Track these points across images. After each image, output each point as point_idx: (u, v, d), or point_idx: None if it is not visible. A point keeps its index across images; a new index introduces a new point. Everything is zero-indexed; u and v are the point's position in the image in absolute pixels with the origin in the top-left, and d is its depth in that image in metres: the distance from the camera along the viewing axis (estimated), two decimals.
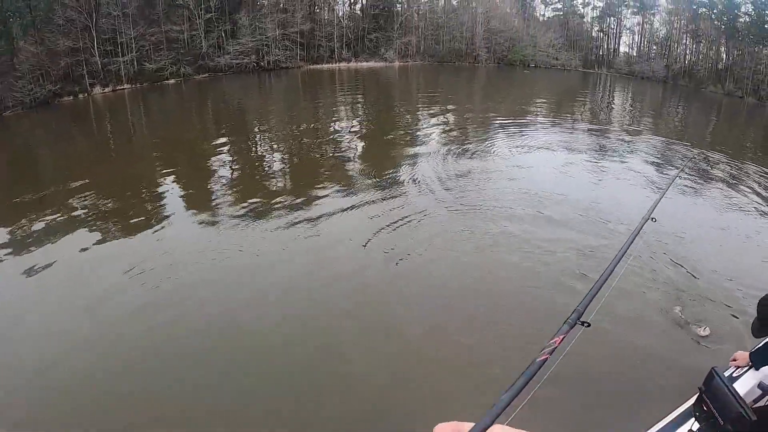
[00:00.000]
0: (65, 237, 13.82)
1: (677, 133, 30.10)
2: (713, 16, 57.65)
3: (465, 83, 54.73)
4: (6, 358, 8.89)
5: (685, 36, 61.83)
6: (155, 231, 13.99)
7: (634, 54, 68.14)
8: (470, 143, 24.10)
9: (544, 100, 42.52)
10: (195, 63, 49.86)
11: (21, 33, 39.89)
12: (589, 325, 1.38)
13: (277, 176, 20.03)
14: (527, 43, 70.09)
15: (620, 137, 27.87)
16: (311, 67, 59.70)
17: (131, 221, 15.02)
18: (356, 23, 64.60)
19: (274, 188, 18.24)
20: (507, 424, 0.83)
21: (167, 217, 15.22)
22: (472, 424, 0.81)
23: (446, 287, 10.96)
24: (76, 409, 7.65)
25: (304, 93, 46.20)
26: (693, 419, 3.93)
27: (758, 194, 18.22)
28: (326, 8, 64.16)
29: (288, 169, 21.09)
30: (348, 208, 15.46)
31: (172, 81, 47.35)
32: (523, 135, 26.72)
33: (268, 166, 21.68)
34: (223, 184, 18.72)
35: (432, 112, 33.78)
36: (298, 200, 16.24)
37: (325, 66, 60.81)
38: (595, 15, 71.60)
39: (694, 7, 59.50)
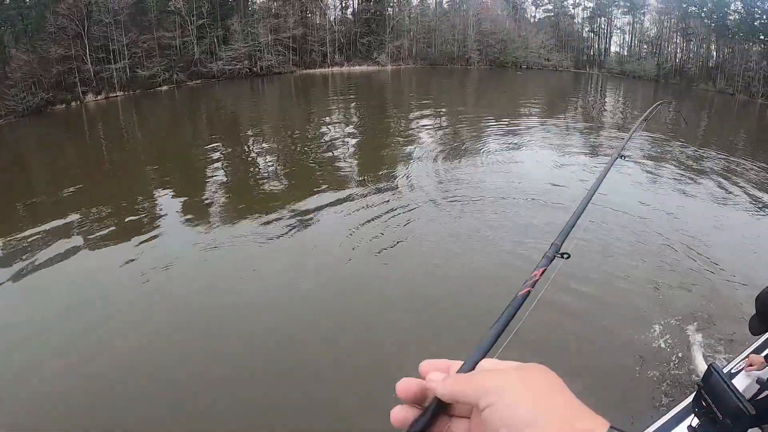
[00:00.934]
0: (58, 246, 13.79)
1: (670, 131, 30.21)
2: (703, 14, 57.91)
3: (457, 85, 54.90)
4: None
5: (675, 35, 62.13)
6: (149, 239, 14.02)
7: (625, 53, 68.46)
8: (462, 144, 24.45)
9: (537, 101, 42.76)
10: (188, 69, 49.88)
11: (13, 41, 39.92)
12: (568, 257, 1.42)
13: (271, 183, 20.11)
14: (519, 44, 70.36)
15: (612, 135, 28.05)
16: (304, 72, 59.78)
17: (125, 228, 15.08)
18: (348, 27, 64.76)
19: (268, 195, 18.36)
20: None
21: (161, 226, 15.30)
22: (460, 362, 0.84)
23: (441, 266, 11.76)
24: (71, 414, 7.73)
25: (297, 98, 46.26)
26: (693, 415, 3.99)
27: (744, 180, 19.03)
28: (318, 13, 64.37)
29: (281, 174, 21.18)
30: (342, 209, 15.74)
31: (164, 87, 47.37)
32: (515, 135, 27.18)
33: (262, 173, 21.69)
34: (217, 190, 18.82)
35: (424, 114, 33.86)
36: (292, 204, 16.32)
37: (318, 71, 60.90)
38: (585, 15, 72.02)
39: (684, 6, 59.70)
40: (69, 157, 26.46)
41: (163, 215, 16.27)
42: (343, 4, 66.27)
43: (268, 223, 14.78)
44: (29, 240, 14.24)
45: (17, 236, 14.55)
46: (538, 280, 1.21)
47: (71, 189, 18.57)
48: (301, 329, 9.67)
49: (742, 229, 14.64)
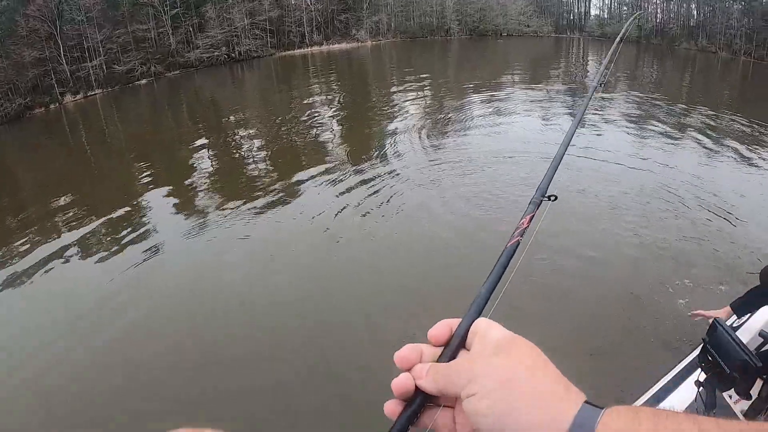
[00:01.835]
0: (48, 251, 13.78)
1: (653, 89, 30.65)
2: None
3: (438, 57, 54.79)
4: None
5: None
6: (141, 242, 13.86)
7: (605, 16, 67.92)
8: (446, 115, 24.96)
9: (518, 67, 42.87)
10: (165, 60, 49.23)
11: None
12: (555, 198, 1.31)
13: (258, 166, 20.26)
14: (498, 12, 69.58)
15: (596, 95, 28.03)
16: (283, 53, 59.15)
17: (114, 223, 15.16)
18: (325, 5, 63.81)
19: (255, 178, 18.54)
20: (491, 316, 0.88)
21: (149, 218, 15.60)
22: (459, 319, 0.85)
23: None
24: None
25: (278, 80, 45.91)
26: (699, 369, 3.95)
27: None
28: None
29: (267, 157, 21.29)
30: (329, 186, 16.04)
31: (143, 81, 46.74)
32: (499, 101, 27.83)
33: (247, 157, 21.76)
34: (204, 179, 18.93)
35: (408, 87, 33.84)
36: (281, 185, 16.72)
37: (297, 51, 60.24)
38: None
39: None
40: (52, 160, 26.18)
41: (151, 208, 16.44)
42: None
43: (258, 205, 15.08)
44: (20, 244, 14.39)
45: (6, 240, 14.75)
46: (526, 228, 1.17)
47: (59, 194, 18.43)
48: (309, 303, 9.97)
49: (732, 179, 15.16)
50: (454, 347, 0.83)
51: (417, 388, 0.79)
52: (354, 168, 17.48)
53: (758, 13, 47.45)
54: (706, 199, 13.23)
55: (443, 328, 0.85)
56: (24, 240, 14.67)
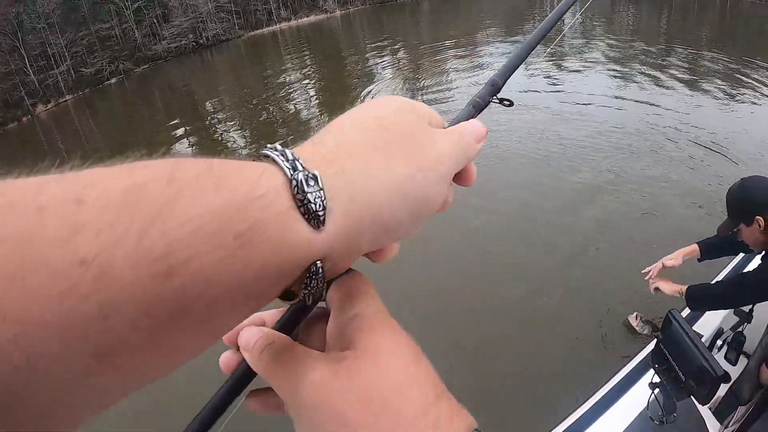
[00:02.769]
0: None
1: (631, 32, 30.46)
2: None
3: (411, 20, 54.20)
4: None
5: None
6: None
7: None
8: (424, 77, 24.95)
9: (492, 22, 42.16)
10: (132, 56, 48.45)
11: None
12: (510, 104, 0.87)
13: (238, 148, 20.28)
14: None
15: (574, 43, 28.11)
16: (252, 33, 58.27)
17: None
18: None
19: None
20: None
21: None
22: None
23: None
24: None
25: (250, 61, 45.37)
26: (652, 370, 3.50)
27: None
28: None
29: (247, 137, 21.46)
30: None
31: (113, 80, 45.96)
32: (475, 57, 27.71)
33: (227, 140, 21.74)
34: None
35: (383, 53, 33.39)
36: None
37: (266, 30, 59.33)
38: None
39: None
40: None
41: None
42: None
43: None
44: None
45: None
46: None
47: None
48: None
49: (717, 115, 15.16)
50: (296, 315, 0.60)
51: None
52: None
53: None
54: (691, 132, 13.03)
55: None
56: None
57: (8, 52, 40.61)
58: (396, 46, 34.95)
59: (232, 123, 24.91)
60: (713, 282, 4.34)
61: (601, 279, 8.13)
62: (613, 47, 25.84)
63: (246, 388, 0.60)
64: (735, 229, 3.70)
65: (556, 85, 19.34)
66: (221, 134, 23.38)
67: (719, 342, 4.67)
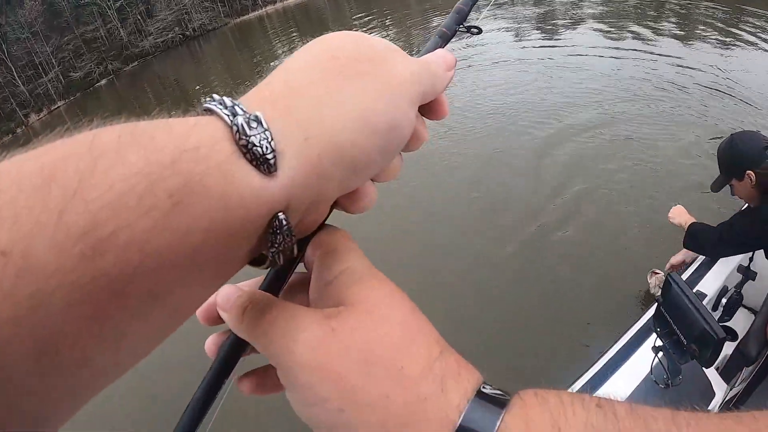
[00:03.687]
0: None
1: None
2: None
3: None
4: None
5: None
6: None
7: None
8: (413, 46, 24.68)
9: None
10: (120, 56, 48.24)
11: None
12: (479, 32, 0.74)
13: None
14: None
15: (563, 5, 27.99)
16: (239, 20, 57.74)
17: None
18: None
19: None
20: None
21: None
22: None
23: None
24: None
25: (239, 48, 44.98)
26: (654, 334, 3.26)
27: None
28: None
29: None
30: None
31: (103, 81, 45.73)
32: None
33: None
34: None
35: (371, 27, 33.07)
36: None
37: (253, 15, 58.80)
38: None
39: None
40: None
41: None
42: None
43: None
44: None
45: None
46: None
47: None
48: None
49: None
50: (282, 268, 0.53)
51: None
52: None
53: None
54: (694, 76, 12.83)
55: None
56: None
57: None
58: (384, 19, 34.70)
59: None
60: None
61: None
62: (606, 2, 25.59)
63: (235, 370, 0.53)
64: (729, 185, 3.76)
65: (551, 41, 19.18)
66: None
67: (724, 301, 4.54)
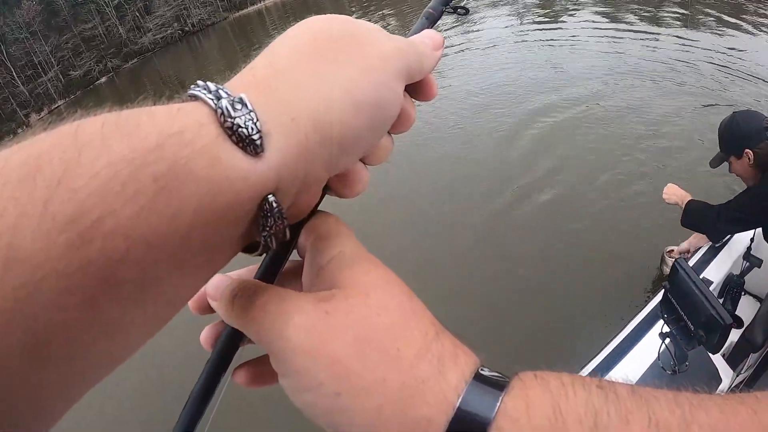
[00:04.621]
0: None
1: None
2: None
3: None
4: None
5: None
6: None
7: None
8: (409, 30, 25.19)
9: None
10: (120, 53, 48.15)
11: None
12: (465, 12, 0.73)
13: None
14: None
15: None
16: (238, 14, 57.59)
17: None
18: None
19: None
20: None
21: None
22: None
23: None
24: None
25: (238, 42, 44.99)
26: (661, 321, 3.34)
27: None
28: None
29: None
30: None
31: (103, 79, 45.63)
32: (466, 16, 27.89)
33: None
34: None
35: (371, 18, 33.23)
36: None
37: (252, 8, 58.62)
38: None
39: None
40: None
41: None
42: None
43: None
44: None
45: None
46: None
47: None
48: None
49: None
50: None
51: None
52: None
53: None
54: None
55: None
56: None
57: None
58: (382, 10, 34.81)
59: None
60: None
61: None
62: None
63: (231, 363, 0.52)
64: (727, 162, 3.80)
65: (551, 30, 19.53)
66: None
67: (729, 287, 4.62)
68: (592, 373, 3.49)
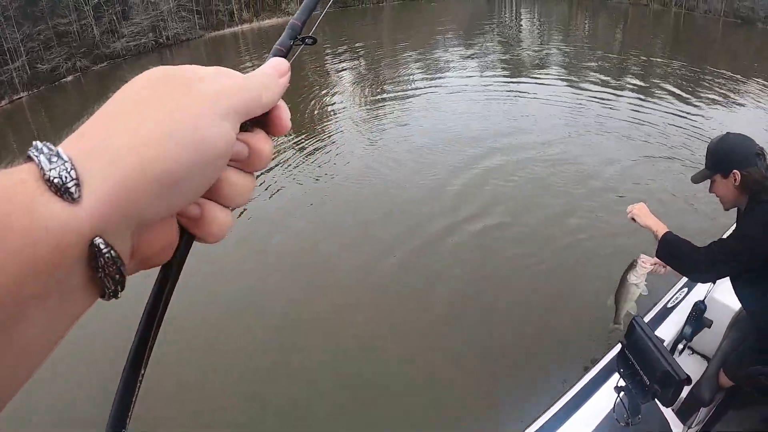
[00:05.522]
0: None
1: (589, 43, 32.28)
2: None
3: (371, 24, 54.96)
4: None
5: None
6: None
7: None
8: (383, 76, 25.89)
9: (452, 29, 43.24)
10: (90, 54, 47.52)
11: None
12: (314, 42, 1.00)
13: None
14: None
15: (533, 52, 29.69)
16: (213, 34, 57.69)
17: None
18: None
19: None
20: None
21: None
22: None
23: None
24: None
25: (210, 63, 44.74)
26: (617, 375, 3.64)
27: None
28: None
29: None
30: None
31: (69, 78, 44.98)
32: (436, 63, 30.03)
33: None
34: None
35: (342, 59, 34.20)
36: None
37: (227, 31, 58.83)
38: None
39: None
40: None
41: None
42: None
43: None
44: None
45: None
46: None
47: None
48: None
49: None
50: None
51: None
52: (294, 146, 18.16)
53: None
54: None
55: None
56: None
57: None
58: (356, 52, 35.58)
59: None
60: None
61: None
62: (569, 55, 27.43)
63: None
64: (710, 180, 3.85)
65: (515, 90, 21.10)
66: None
67: (680, 346, 4.93)
68: (548, 424, 4.15)
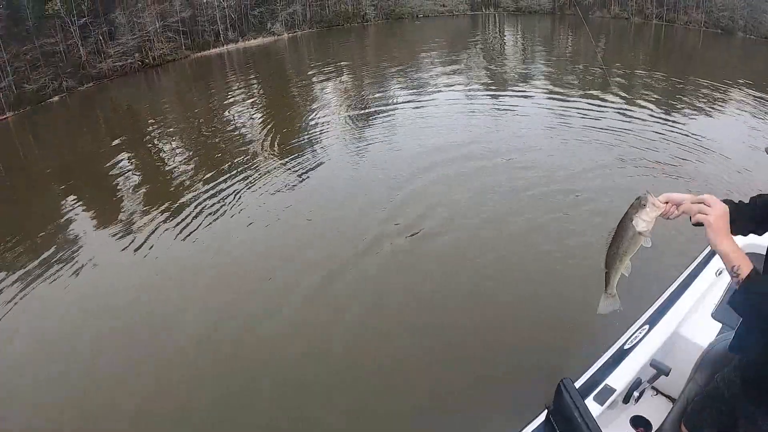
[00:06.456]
0: None
1: (570, 56, 33.06)
2: None
3: (356, 43, 55.83)
4: None
5: None
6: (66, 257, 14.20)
7: None
8: (369, 101, 26.41)
9: (436, 47, 44.08)
10: (76, 74, 47.49)
11: None
12: None
13: (184, 173, 20.47)
14: None
15: (518, 68, 30.20)
16: (199, 54, 57.90)
17: (38, 249, 15.13)
18: (238, 1, 62.78)
19: (184, 185, 18.90)
20: None
21: (78, 240, 15.61)
22: None
23: None
24: None
25: (195, 82, 45.65)
26: None
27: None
28: None
29: (192, 162, 21.72)
30: (260, 182, 17.60)
31: (56, 98, 44.79)
32: (420, 82, 30.90)
33: (172, 165, 22.06)
34: (131, 193, 19.18)
35: (328, 77, 34.92)
36: (212, 189, 17.63)
37: (213, 51, 59.08)
38: None
39: None
40: None
41: (78, 230, 16.37)
42: None
43: (187, 214, 15.94)
44: None
45: None
46: None
47: None
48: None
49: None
50: None
51: None
52: (281, 165, 19.03)
53: None
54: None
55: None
56: None
57: None
58: (341, 71, 35.95)
59: (174, 141, 25.53)
60: None
61: None
62: (552, 71, 27.97)
63: None
64: None
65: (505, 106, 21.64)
66: (162, 152, 23.72)
67: (636, 393, 4.34)
68: None
